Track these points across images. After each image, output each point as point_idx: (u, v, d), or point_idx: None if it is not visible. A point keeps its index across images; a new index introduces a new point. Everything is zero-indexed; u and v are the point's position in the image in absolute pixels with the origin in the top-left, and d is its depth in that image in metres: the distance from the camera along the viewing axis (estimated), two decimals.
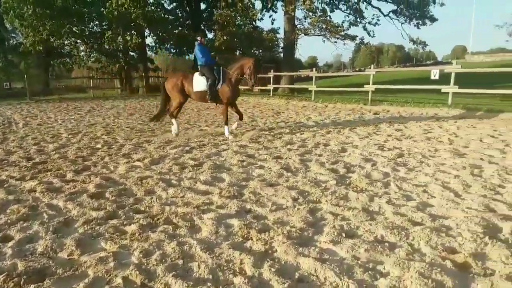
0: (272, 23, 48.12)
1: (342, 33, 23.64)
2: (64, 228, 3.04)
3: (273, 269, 2.34)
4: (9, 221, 3.17)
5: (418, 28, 24.51)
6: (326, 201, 3.60)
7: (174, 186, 4.10)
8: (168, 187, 4.05)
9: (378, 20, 24.88)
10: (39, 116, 11.61)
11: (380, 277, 2.26)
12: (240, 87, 8.16)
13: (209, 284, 2.22)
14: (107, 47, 23.60)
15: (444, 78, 12.54)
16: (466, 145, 6.21)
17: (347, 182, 4.23)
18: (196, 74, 7.79)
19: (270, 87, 20.22)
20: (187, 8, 30.40)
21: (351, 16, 24.50)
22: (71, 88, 27.05)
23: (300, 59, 46.93)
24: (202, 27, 28.65)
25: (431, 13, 24.24)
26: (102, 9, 22.53)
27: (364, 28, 24.81)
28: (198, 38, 8.06)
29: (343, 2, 24.63)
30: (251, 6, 24.08)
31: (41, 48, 22.24)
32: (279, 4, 24.56)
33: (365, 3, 24.84)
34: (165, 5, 29.30)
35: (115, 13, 21.31)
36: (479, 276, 2.26)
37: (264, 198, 3.70)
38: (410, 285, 2.13)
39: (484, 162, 5.02)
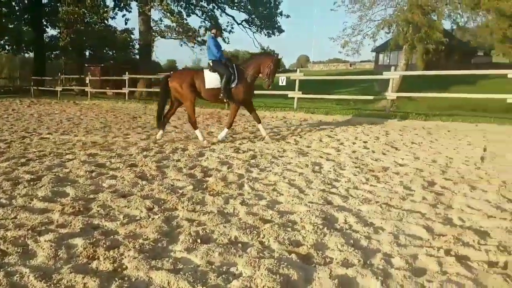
0: (126, 23, 45.69)
1: (199, 39, 23.98)
2: None
3: None
4: None
5: (269, 37, 26.54)
6: (183, 207, 3.53)
7: (3, 206, 3.47)
8: None
9: (233, 27, 26.06)
10: None
11: (233, 279, 2.30)
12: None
13: None
14: None
15: (290, 85, 13.81)
16: (309, 144, 6.92)
17: (204, 186, 4.24)
18: (206, 70, 7.10)
19: (125, 90, 19.17)
20: (25, 1, 26.64)
21: (207, 22, 25.04)
22: None
23: (159, 62, 45.75)
24: (45, 23, 25.48)
25: (279, 24, 26.50)
26: None
27: None
28: (213, 31, 7.40)
29: (199, 8, 25.01)
30: (101, 3, 22.45)
31: None
32: (134, 3, 23.53)
33: (219, 10, 25.68)
34: None
35: None
36: (319, 265, 2.49)
37: (115, 211, 3.42)
38: (260, 283, 2.22)
39: (323, 159, 5.67)
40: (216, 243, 2.76)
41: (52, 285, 2.20)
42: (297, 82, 13.46)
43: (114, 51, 28.92)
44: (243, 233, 2.93)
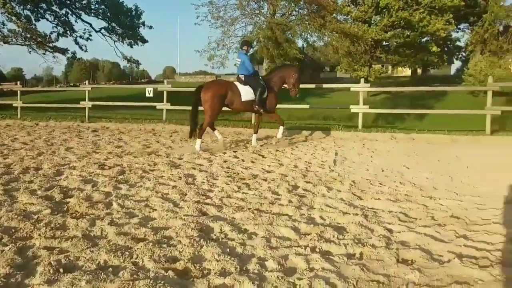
0: None
1: (51, 45, 21.66)
2: None
3: None
4: None
5: (131, 47, 25.46)
6: (39, 235, 3.09)
7: None
8: None
9: (90, 35, 24.26)
10: None
11: None
12: None
13: None
14: None
15: (158, 96, 13.48)
16: (180, 156, 6.84)
17: (65, 208, 3.80)
18: (239, 84, 7.69)
19: None
20: None
21: (59, 28, 22.79)
22: None
23: (0, 69, 39.64)
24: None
25: (141, 35, 25.67)
26: None
27: (76, 42, 23.60)
28: (245, 47, 8.09)
29: (49, 12, 22.58)
30: None
31: None
32: None
33: (74, 16, 23.65)
34: None
35: None
36: (197, 278, 2.46)
37: None
38: None
39: (196, 170, 5.67)
40: (82, 271, 2.49)
41: None
42: (164, 93, 13.22)
43: None
44: (113, 256, 2.71)
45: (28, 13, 21.52)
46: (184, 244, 2.95)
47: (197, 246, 2.92)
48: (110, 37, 24.79)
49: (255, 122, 8.38)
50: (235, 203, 4.08)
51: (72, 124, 12.70)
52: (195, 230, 3.22)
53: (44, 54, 22.06)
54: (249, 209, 3.89)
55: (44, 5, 22.07)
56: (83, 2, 23.12)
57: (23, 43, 21.12)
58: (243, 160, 6.61)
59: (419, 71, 43.36)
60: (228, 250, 2.89)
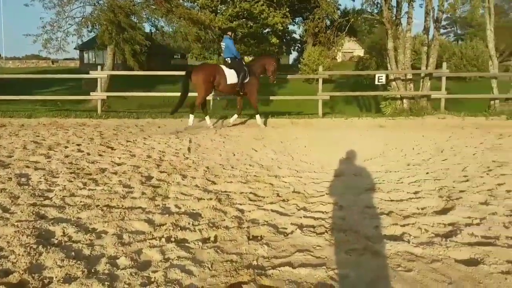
0: None
1: None
2: None
3: None
4: None
5: None
6: None
7: None
8: None
9: None
10: None
11: None
12: None
13: None
14: None
15: None
16: (11, 154, 5.89)
17: None
18: (225, 68, 8.54)
19: None
20: None
21: None
22: None
23: None
24: None
25: None
26: None
27: None
28: (229, 33, 9.03)
29: None
30: None
31: None
32: None
33: None
34: None
35: None
36: None
37: None
38: None
39: (30, 169, 4.95)
40: None
41: None
42: None
43: None
44: None
45: None
46: (19, 254, 2.57)
47: (34, 254, 2.57)
48: None
49: (237, 105, 9.56)
50: (81, 202, 3.73)
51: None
52: (32, 237, 2.83)
53: None
54: (97, 206, 3.60)
55: None
56: None
57: None
58: (88, 154, 6.06)
59: None
60: (73, 253, 2.63)
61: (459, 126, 9.85)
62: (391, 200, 3.91)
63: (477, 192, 4.08)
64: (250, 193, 4.16)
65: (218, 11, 31.15)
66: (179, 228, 3.11)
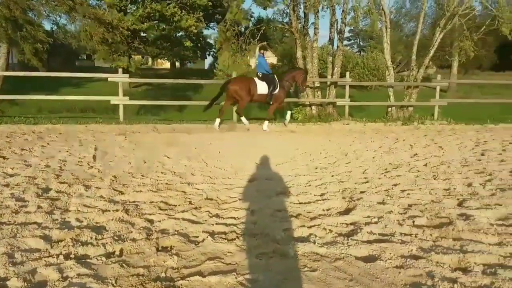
0: None
1: None
2: None
3: None
4: None
5: None
6: None
7: None
8: None
9: None
10: None
11: None
12: None
13: None
14: None
15: None
16: None
17: None
18: (257, 80, 9.97)
19: None
20: None
21: None
22: None
23: None
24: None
25: None
26: None
27: None
28: (262, 51, 10.87)
29: None
30: None
31: None
32: None
33: None
34: None
35: None
36: None
37: None
38: None
39: None
40: None
41: None
42: None
43: None
44: None
45: None
46: None
47: None
48: None
49: (268, 111, 10.54)
50: None
51: None
52: None
53: None
54: None
55: None
56: None
57: None
58: None
59: (177, 64, 45.79)
60: None
61: (361, 131, 10.70)
62: (300, 203, 4.08)
63: (375, 193, 4.45)
64: (161, 202, 4.03)
65: (128, 11, 29.78)
66: (80, 243, 2.87)
